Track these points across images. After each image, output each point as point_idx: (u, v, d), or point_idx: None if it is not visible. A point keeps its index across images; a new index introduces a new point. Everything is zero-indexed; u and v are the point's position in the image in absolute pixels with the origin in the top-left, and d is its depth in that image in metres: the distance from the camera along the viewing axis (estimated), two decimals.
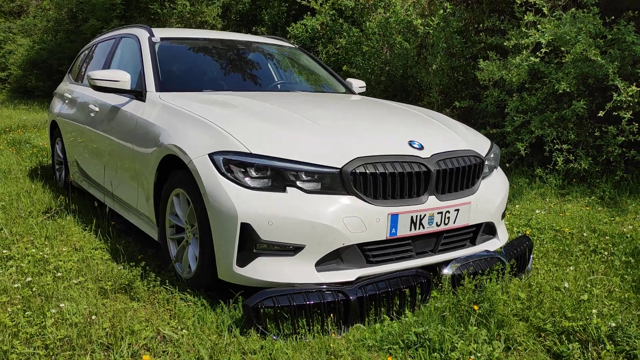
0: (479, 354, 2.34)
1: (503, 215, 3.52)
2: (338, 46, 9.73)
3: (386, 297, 2.73)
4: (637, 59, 5.44)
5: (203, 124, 2.99)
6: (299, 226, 2.62)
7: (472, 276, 2.97)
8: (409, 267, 2.90)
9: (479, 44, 6.94)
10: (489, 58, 6.13)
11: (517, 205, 4.98)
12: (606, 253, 3.73)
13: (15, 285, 3.00)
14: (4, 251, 3.54)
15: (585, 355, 2.39)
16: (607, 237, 4.04)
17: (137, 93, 3.75)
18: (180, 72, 4.05)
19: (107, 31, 5.46)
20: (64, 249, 3.62)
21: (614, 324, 2.55)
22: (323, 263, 2.72)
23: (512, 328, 2.57)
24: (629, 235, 4.03)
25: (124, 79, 3.70)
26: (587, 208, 4.81)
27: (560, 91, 5.30)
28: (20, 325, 2.54)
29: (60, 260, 3.41)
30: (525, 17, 5.27)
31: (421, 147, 2.97)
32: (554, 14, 5.72)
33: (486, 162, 3.34)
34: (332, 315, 2.59)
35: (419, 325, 2.54)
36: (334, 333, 2.53)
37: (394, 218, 2.77)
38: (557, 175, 5.69)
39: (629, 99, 5.08)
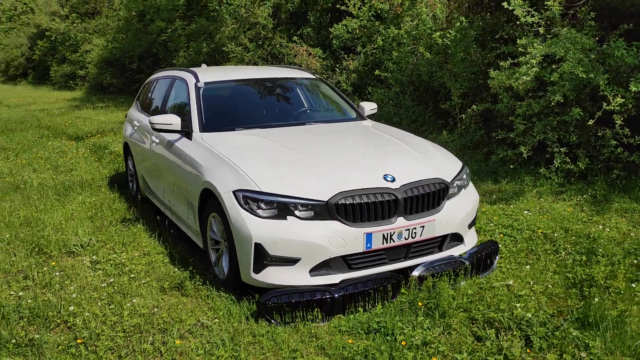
0: (417, 337, 3.28)
1: (472, 224, 4.39)
2: (375, 46, 10.55)
3: (363, 294, 3.71)
4: (633, 67, 6.02)
5: (230, 166, 4.04)
6: (296, 244, 3.64)
7: (435, 276, 3.90)
8: (383, 270, 3.86)
9: (495, 50, 7.61)
10: (500, 67, 6.84)
11: (511, 206, 5.77)
12: (564, 253, 4.51)
13: (102, 285, 4.19)
14: (93, 257, 4.76)
15: (499, 338, 3.28)
16: (573, 237, 4.80)
17: (186, 132, 4.84)
18: (218, 113, 5.10)
19: (165, 69, 6.59)
20: (135, 254, 4.80)
21: (529, 315, 3.42)
22: (315, 270, 3.72)
23: (452, 318, 3.49)
24: (592, 236, 4.77)
25: (176, 122, 4.79)
26: (569, 209, 5.53)
27: (553, 103, 5.97)
28: (106, 315, 3.70)
29: (133, 264, 4.58)
30: (519, 41, 5.96)
31: (393, 180, 3.89)
32: (552, 30, 6.36)
33: (454, 184, 4.22)
34: (320, 308, 3.60)
35: (381, 316, 3.51)
36: (320, 322, 3.54)
37: (369, 236, 3.73)
38: (559, 174, 6.39)
39: (617, 108, 5.71)
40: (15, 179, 7.78)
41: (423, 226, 3.92)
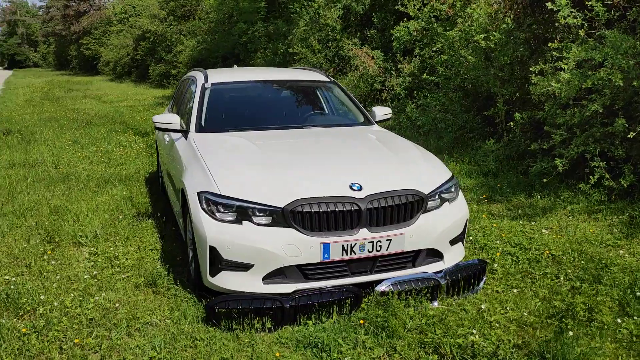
0: (355, 357, 3.10)
1: (457, 240, 4.10)
2: (434, 49, 10.20)
3: (317, 306, 3.57)
4: None
5: (202, 167, 4.04)
6: (249, 250, 3.57)
7: (403, 293, 3.68)
8: (344, 283, 3.69)
9: (544, 54, 7.09)
10: (544, 72, 6.36)
11: (533, 223, 5.34)
12: (563, 278, 4.10)
13: (86, 277, 4.34)
14: (92, 248, 4.96)
15: None
16: (583, 262, 4.35)
17: (185, 132, 4.92)
18: (217, 114, 5.14)
19: (191, 70, 6.74)
20: (132, 249, 4.94)
21: (483, 344, 3.13)
22: (270, 278, 3.63)
23: (400, 339, 3.27)
24: (605, 261, 4.30)
25: (175, 121, 4.88)
26: (592, 230, 5.02)
27: (588, 113, 5.45)
28: (72, 307, 3.83)
29: (125, 258, 4.72)
30: (550, 44, 5.50)
31: (360, 189, 3.72)
32: (597, 33, 5.82)
33: (436, 197, 3.96)
34: (270, 317, 3.51)
35: (326, 331, 3.35)
36: (268, 331, 3.45)
37: (326, 246, 3.58)
38: (601, 191, 5.84)
39: None
40: (69, 170, 8.29)
41: (390, 239, 3.70)
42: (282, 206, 3.59)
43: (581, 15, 5.76)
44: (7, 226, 5.59)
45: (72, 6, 50.92)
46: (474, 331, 3.27)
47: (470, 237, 4.98)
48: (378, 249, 3.69)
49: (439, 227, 3.91)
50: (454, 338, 3.23)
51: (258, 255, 3.57)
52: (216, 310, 3.50)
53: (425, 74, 9.18)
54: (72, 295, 4.02)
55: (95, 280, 4.30)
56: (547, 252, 4.55)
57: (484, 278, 4.07)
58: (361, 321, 3.41)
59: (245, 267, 3.61)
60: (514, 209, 5.84)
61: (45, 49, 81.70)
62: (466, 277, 3.92)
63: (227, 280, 3.66)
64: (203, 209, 3.72)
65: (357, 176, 3.84)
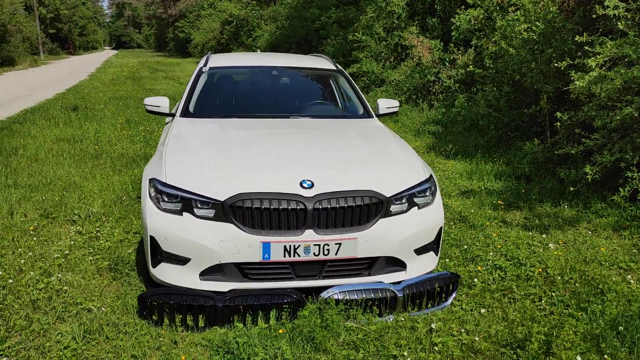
0: None
1: (427, 250, 3.72)
2: (494, 39, 9.53)
3: (253, 308, 3.35)
4: None
5: (161, 153, 3.91)
6: (185, 244, 3.40)
7: (351, 302, 3.38)
8: (287, 286, 3.44)
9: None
10: (586, 68, 5.71)
11: (544, 235, 4.80)
12: (544, 301, 3.62)
13: (56, 256, 4.36)
14: (79, 227, 5.00)
15: None
16: (577, 284, 3.83)
17: (173, 116, 4.82)
18: (207, 99, 4.99)
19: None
20: (117, 231, 4.92)
21: None
22: (208, 274, 3.45)
23: (327, 354, 2.99)
24: (602, 286, 3.75)
25: (163, 104, 4.79)
26: (603, 249, 4.43)
27: (619, 117, 4.81)
28: (25, 287, 3.84)
29: (105, 240, 4.71)
30: (577, 38, 4.88)
31: (310, 186, 3.43)
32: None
33: (403, 200, 3.60)
34: (204, 316, 3.33)
35: (251, 336, 3.13)
36: (198, 329, 3.27)
37: (266, 245, 3.34)
38: (638, 205, 5.17)
39: None
40: (106, 148, 8.50)
41: (339, 244, 3.40)
42: (222, 200, 3.38)
43: (624, 6, 5.07)
44: (17, 199, 5.77)
45: None
46: (405, 353, 2.93)
47: (465, 246, 4.55)
48: (325, 252, 3.41)
49: (401, 234, 3.56)
50: (383, 358, 2.91)
51: (194, 249, 3.39)
52: (148, 302, 3.37)
53: (471, 66, 8.57)
54: (31, 274, 4.04)
55: (64, 260, 4.30)
56: (540, 270, 4.05)
57: (454, 294, 3.68)
58: (280, 330, 3.15)
59: (182, 260, 3.45)
60: (532, 218, 5.29)
61: (148, 31, 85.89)
62: (430, 291, 3.55)
63: (165, 273, 3.52)
64: (150, 197, 3.59)
65: (314, 173, 3.56)
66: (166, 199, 3.52)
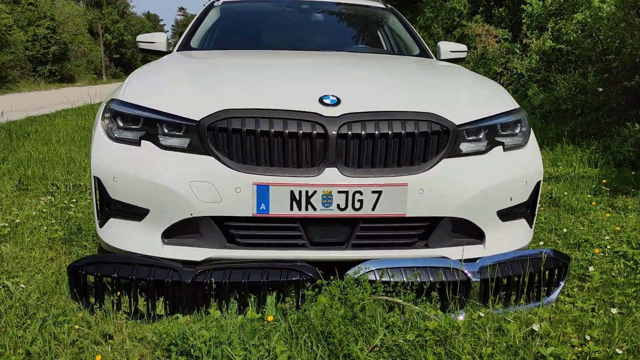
0: None
1: (516, 215, 2.40)
2: (574, 22, 8.12)
3: (241, 288, 2.11)
4: None
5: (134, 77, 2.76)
6: (142, 186, 2.20)
7: (395, 286, 2.10)
8: (296, 258, 2.19)
9: None
10: None
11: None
12: None
13: (3, 224, 3.28)
14: (51, 199, 3.93)
15: None
16: None
17: (169, 53, 3.70)
18: (215, 34, 3.83)
19: None
20: (88, 201, 3.84)
21: None
22: (176, 235, 2.24)
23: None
24: None
25: (160, 40, 3.70)
26: None
27: None
28: None
29: (74, 211, 3.63)
30: None
31: (335, 103, 2.20)
32: None
33: (481, 134, 2.31)
34: (164, 297, 2.13)
35: (222, 329, 1.88)
36: (152, 317, 2.07)
37: (263, 190, 2.11)
38: None
39: None
40: None
41: (379, 192, 2.13)
42: (198, 119, 2.18)
43: None
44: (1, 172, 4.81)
45: None
46: None
47: (565, 230, 3.19)
48: (356, 206, 2.14)
49: (477, 185, 2.25)
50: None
51: (154, 194, 2.19)
52: (80, 273, 2.19)
53: (549, 42, 7.17)
54: None
55: (21, 229, 3.20)
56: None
57: (562, 283, 2.33)
58: (269, 317, 1.88)
59: (137, 213, 2.25)
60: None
61: None
62: (524, 278, 2.22)
63: (115, 235, 2.33)
64: (102, 124, 2.43)
65: (343, 88, 2.32)
66: (121, 124, 2.34)
